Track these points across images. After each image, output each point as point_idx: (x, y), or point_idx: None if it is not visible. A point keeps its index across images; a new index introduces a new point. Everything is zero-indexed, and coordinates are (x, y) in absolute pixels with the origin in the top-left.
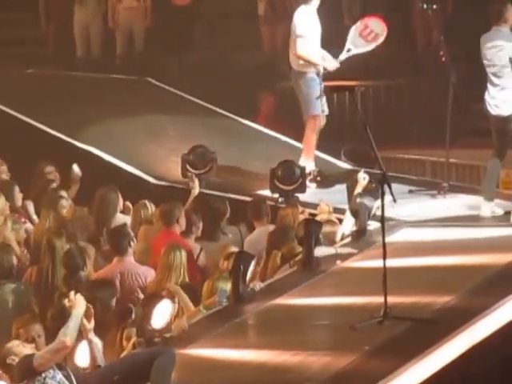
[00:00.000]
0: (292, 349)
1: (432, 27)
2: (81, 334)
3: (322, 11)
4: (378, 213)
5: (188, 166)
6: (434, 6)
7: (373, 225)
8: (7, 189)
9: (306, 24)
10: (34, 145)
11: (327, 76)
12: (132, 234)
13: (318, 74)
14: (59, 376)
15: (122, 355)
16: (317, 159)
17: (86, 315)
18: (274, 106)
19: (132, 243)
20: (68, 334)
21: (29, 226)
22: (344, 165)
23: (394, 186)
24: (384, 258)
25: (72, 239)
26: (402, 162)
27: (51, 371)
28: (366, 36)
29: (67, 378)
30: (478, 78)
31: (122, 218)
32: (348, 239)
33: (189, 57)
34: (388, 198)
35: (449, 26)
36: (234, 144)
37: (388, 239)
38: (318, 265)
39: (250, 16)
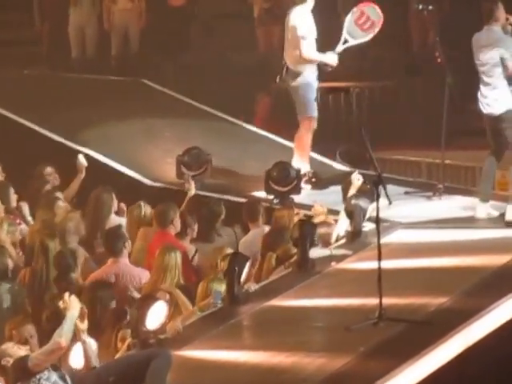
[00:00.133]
0: (287, 350)
1: (427, 28)
2: (75, 335)
3: (319, 12)
4: (374, 214)
5: (183, 168)
6: (430, 7)
7: (368, 226)
8: (2, 190)
9: (306, 25)
10: (29, 146)
11: (322, 77)
12: (127, 235)
13: (315, 75)
14: (54, 377)
15: (117, 356)
16: (311, 160)
17: (80, 316)
18: (270, 106)
19: (127, 244)
20: (63, 335)
21: (24, 227)
22: (339, 166)
23: (390, 187)
24: (379, 259)
25: (61, 241)
26: (398, 164)
27: (46, 372)
28: (361, 25)
29: (62, 378)
30: (473, 79)
31: (116, 220)
32: (343, 240)
33: (184, 58)
34: (383, 199)
35: (444, 27)
36: (229, 145)
37: (383, 240)
38: (313, 266)
39: (246, 17)
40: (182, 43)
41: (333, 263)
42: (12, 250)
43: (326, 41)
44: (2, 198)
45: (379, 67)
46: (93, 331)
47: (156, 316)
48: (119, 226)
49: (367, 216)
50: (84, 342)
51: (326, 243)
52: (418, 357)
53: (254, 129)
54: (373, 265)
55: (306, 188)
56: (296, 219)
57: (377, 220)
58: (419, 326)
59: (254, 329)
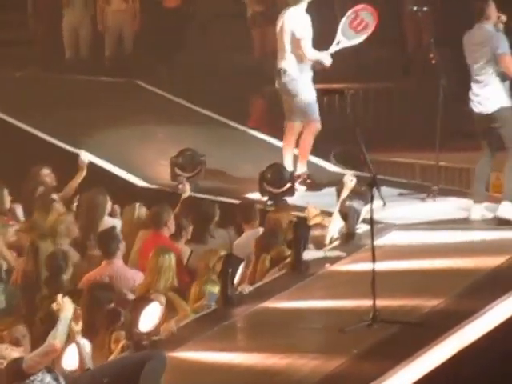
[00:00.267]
0: (281, 352)
1: (422, 29)
2: (69, 337)
3: (315, 13)
4: (368, 216)
5: (177, 169)
6: (424, 8)
7: (362, 228)
8: None
9: (303, 25)
10: (22, 147)
11: (317, 79)
12: (121, 236)
13: (311, 76)
14: (48, 379)
15: (111, 358)
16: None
17: (74, 317)
18: (265, 108)
19: (121, 246)
20: (57, 336)
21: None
22: (334, 168)
23: (384, 189)
24: (373, 261)
25: (52, 243)
26: (392, 165)
27: (39, 374)
28: (355, 27)
29: (56, 380)
30: (467, 81)
31: (110, 221)
32: (337, 242)
33: (178, 59)
34: (377, 201)
35: (439, 28)
36: (224, 147)
37: (377, 242)
38: (307, 268)
39: (241, 17)
40: (177, 44)
41: (327, 265)
42: (6, 251)
43: (321, 41)
44: None
45: (374, 69)
46: (87, 333)
47: (150, 318)
48: (113, 228)
49: (361, 218)
50: (78, 344)
51: (320, 245)
52: (411, 358)
53: (248, 130)
54: (367, 266)
55: (300, 189)
56: (290, 221)
57: (371, 222)
58: (413, 327)
59: (248, 330)
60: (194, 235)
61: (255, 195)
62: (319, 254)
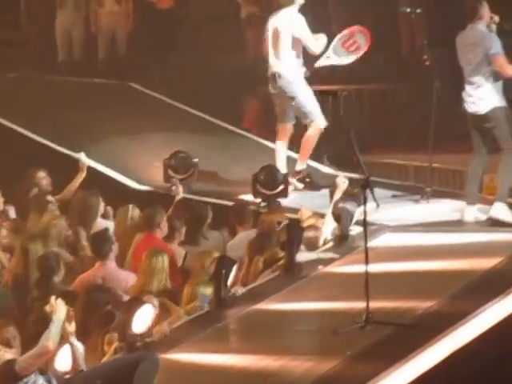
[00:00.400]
0: (274, 353)
1: (415, 31)
2: (62, 338)
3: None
4: (362, 218)
5: (170, 171)
6: (418, 10)
7: (355, 229)
8: None
9: (302, 24)
10: (15, 149)
11: (310, 81)
12: (114, 238)
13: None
14: (40, 381)
15: (104, 360)
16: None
17: (68, 318)
18: (259, 108)
19: (114, 248)
20: (50, 338)
21: None
22: (327, 169)
23: (377, 190)
24: (366, 262)
25: (43, 245)
26: (385, 167)
27: (32, 376)
28: (348, 47)
29: (49, 382)
30: (461, 82)
31: (103, 223)
32: (330, 244)
33: (172, 60)
34: (371, 202)
35: (433, 30)
36: (217, 149)
37: (370, 244)
38: (300, 270)
39: (235, 19)
40: (170, 46)
41: (320, 267)
42: None
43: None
44: None
45: (367, 70)
46: (81, 334)
47: (143, 319)
48: (106, 229)
49: (355, 219)
50: (72, 344)
51: (314, 247)
52: (405, 360)
53: (242, 132)
54: (360, 268)
55: (298, 186)
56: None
57: (364, 223)
58: (406, 329)
59: (241, 332)
60: (186, 237)
61: (248, 197)
62: (312, 255)
